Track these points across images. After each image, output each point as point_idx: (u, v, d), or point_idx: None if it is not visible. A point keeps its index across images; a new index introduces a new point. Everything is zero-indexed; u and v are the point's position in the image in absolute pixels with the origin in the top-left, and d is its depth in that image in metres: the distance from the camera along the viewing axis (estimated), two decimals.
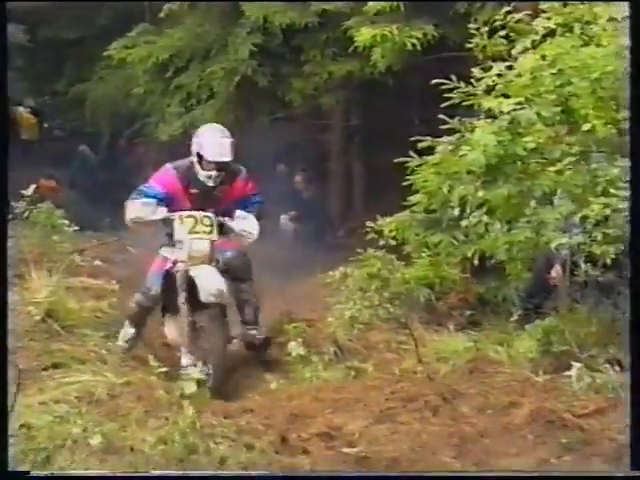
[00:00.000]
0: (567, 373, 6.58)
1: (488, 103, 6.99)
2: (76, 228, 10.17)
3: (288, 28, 12.60)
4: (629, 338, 2.28)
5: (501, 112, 6.90)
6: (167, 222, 7.33)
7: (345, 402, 6.38)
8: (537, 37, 7.02)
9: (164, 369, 6.68)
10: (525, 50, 6.97)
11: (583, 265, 7.41)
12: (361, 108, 13.80)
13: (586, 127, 6.66)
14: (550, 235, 6.93)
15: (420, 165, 7.62)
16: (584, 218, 6.69)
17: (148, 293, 7.57)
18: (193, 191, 7.47)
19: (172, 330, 7.42)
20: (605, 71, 6.57)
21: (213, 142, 7.45)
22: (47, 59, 16.17)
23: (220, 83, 13.08)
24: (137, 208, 7.36)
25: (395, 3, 11.54)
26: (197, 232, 7.24)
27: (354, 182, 14.22)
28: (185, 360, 6.99)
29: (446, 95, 7.34)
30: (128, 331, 7.75)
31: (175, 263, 7.22)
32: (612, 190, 6.53)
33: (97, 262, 10.39)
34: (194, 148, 7.49)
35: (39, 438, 5.09)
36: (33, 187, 10.24)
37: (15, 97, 14.09)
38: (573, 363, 6.63)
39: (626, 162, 6.58)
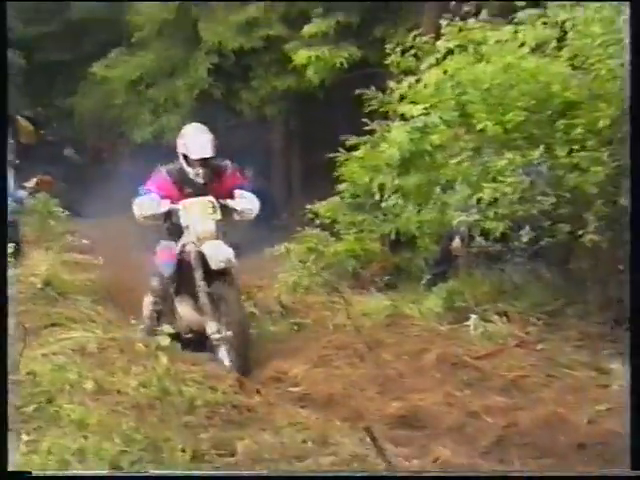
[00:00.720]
0: (466, 324, 6.63)
1: (401, 109, 7.19)
2: (68, 214, 10.21)
3: (239, 51, 12.71)
4: (629, 340, 2.41)
5: (412, 116, 7.03)
6: (172, 213, 6.70)
7: (289, 351, 6.42)
8: (440, 55, 7.08)
9: (142, 326, 6.59)
10: (430, 66, 7.07)
11: (478, 238, 7.30)
12: (299, 115, 13.80)
13: (479, 127, 6.67)
14: (452, 215, 7.00)
15: (347, 160, 7.68)
16: (479, 200, 6.68)
17: (162, 277, 6.84)
18: (187, 191, 6.72)
19: (186, 308, 6.75)
20: (493, 83, 6.59)
21: (195, 141, 6.75)
22: (41, 78, 15.95)
23: (183, 96, 13.15)
24: (144, 205, 6.69)
25: (326, 29, 11.73)
26: (202, 215, 6.64)
27: (293, 175, 14.19)
28: (210, 328, 6.39)
29: (367, 103, 7.49)
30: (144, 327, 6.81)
31: (184, 246, 6.61)
32: (500, 178, 6.51)
33: (85, 241, 10.28)
34: (179, 150, 6.76)
35: (42, 383, 4.97)
36: (34, 180, 10.29)
37: (17, 109, 13.92)
38: (470, 316, 6.67)
39: (511, 155, 6.61)
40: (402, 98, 7.31)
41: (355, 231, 8.10)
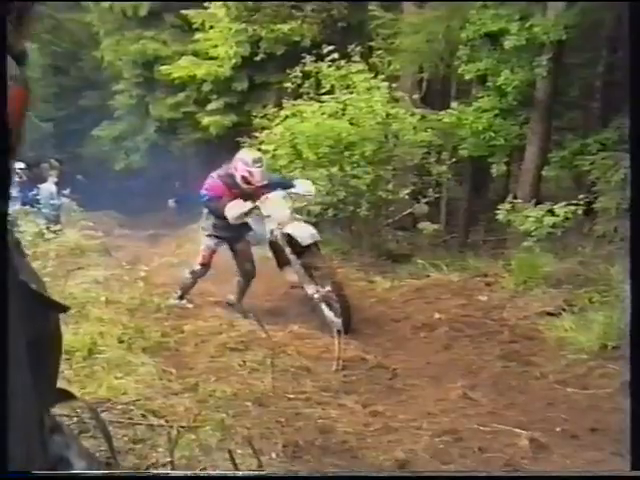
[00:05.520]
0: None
1: (263, 147, 8.65)
2: None
3: None
4: (630, 340, 2.19)
5: (267, 151, 8.57)
6: (252, 210, 6.23)
7: None
8: (281, 119, 8.77)
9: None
10: (276, 125, 8.96)
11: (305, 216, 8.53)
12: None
13: (304, 156, 8.40)
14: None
15: None
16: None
17: (194, 270, 6.64)
18: (234, 191, 6.25)
19: (289, 274, 6.44)
20: (310, 133, 8.32)
21: (257, 170, 6.21)
22: None
23: None
24: (234, 208, 6.14)
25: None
26: (279, 206, 6.24)
27: None
28: (309, 290, 6.14)
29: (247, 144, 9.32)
30: (176, 299, 6.62)
31: (272, 231, 6.23)
32: (316, 182, 7.80)
33: None
34: (240, 172, 6.24)
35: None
36: None
37: None
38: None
39: (322, 170, 8.41)
40: (262, 142, 9.08)
41: None
